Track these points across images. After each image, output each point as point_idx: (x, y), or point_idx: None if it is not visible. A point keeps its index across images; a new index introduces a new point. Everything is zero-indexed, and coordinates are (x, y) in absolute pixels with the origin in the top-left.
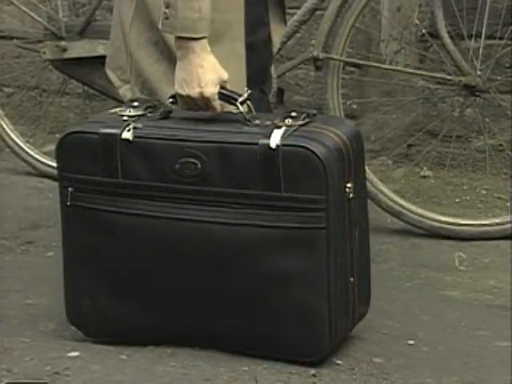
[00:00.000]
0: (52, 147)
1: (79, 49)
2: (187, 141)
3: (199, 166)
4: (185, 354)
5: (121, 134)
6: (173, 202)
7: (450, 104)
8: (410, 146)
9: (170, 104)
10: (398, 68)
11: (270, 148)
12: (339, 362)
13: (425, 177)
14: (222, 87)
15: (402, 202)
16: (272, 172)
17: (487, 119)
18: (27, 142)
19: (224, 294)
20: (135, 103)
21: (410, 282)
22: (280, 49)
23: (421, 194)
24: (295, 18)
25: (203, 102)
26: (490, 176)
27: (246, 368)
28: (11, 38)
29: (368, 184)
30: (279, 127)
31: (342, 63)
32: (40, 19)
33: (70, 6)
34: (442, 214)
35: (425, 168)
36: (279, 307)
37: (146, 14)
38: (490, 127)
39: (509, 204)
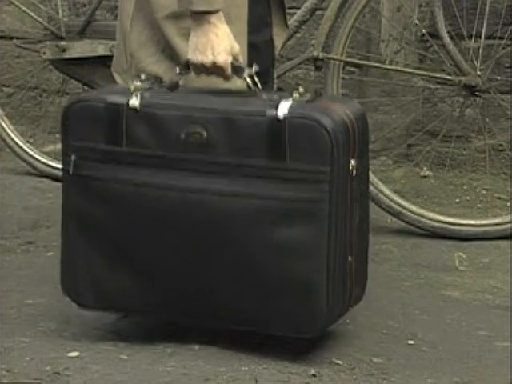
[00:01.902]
0: (52, 147)
1: (79, 49)
2: (194, 110)
3: (205, 135)
4: (185, 354)
5: (127, 103)
6: (177, 171)
7: (449, 104)
8: (409, 145)
9: (177, 76)
10: (398, 68)
11: (278, 119)
12: (339, 362)
13: (425, 177)
14: (234, 58)
15: (402, 202)
16: (278, 143)
17: (487, 119)
18: (27, 142)
19: (223, 265)
20: (142, 77)
21: (410, 282)
22: (280, 49)
23: (421, 194)
24: (295, 18)
25: (216, 70)
26: (490, 176)
27: (246, 368)
28: (11, 38)
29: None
30: (286, 100)
31: (341, 63)
32: (40, 19)
33: (70, 5)
34: (442, 214)
35: (425, 168)
36: (278, 280)
37: (146, 13)
38: (490, 127)
39: (509, 204)
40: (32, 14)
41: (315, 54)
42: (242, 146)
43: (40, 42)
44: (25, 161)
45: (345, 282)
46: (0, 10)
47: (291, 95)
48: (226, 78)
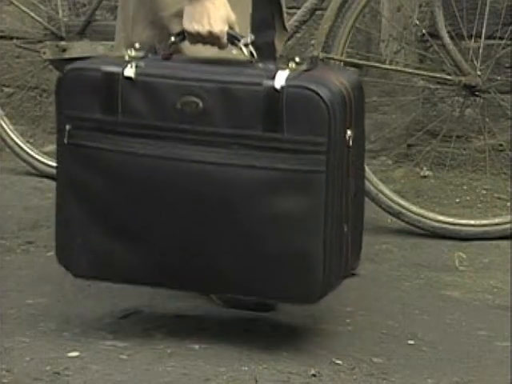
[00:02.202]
0: (52, 147)
1: (79, 49)
2: (190, 80)
3: (201, 105)
4: (185, 354)
5: (123, 72)
6: (172, 141)
7: (450, 104)
8: (409, 145)
9: (172, 44)
10: (398, 68)
11: (275, 89)
12: (339, 362)
13: (425, 177)
14: (230, 27)
15: (402, 202)
16: (274, 113)
17: (487, 119)
18: (27, 142)
19: (220, 235)
20: (137, 45)
21: (410, 282)
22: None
23: (421, 194)
24: (295, 18)
25: (212, 39)
26: (490, 176)
27: (246, 368)
28: (11, 38)
29: (368, 184)
30: (283, 70)
31: (341, 63)
32: (40, 19)
33: (70, 5)
34: (442, 214)
35: (425, 168)
36: (275, 250)
37: (147, 14)
38: (490, 127)
39: (509, 204)
40: (32, 14)
41: (315, 53)
42: (238, 117)
43: (40, 41)
44: (25, 161)
45: (341, 251)
46: (0, 10)
47: (287, 65)
48: (222, 46)
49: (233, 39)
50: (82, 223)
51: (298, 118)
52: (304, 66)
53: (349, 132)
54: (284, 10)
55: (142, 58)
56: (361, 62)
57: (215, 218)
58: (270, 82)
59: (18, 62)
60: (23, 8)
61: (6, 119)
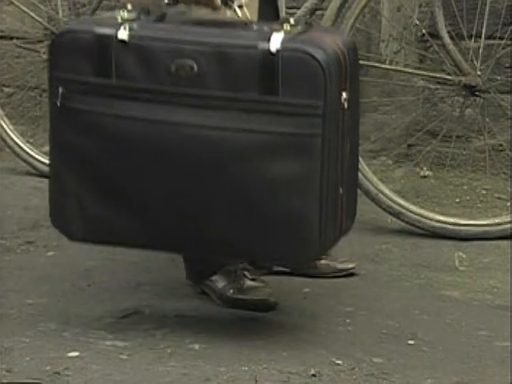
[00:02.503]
0: None
1: None
2: (184, 42)
3: (195, 68)
4: (185, 354)
5: (116, 34)
6: (167, 105)
7: (450, 104)
8: (409, 145)
9: (165, 6)
10: (398, 68)
11: (270, 52)
12: (339, 362)
13: (425, 177)
14: None
15: (402, 202)
16: (270, 76)
17: (487, 119)
18: (27, 142)
19: (215, 199)
20: (129, 6)
21: (410, 282)
22: None
23: (421, 194)
24: (295, 17)
25: (205, 0)
26: (490, 176)
27: (246, 368)
28: (11, 38)
29: (368, 184)
30: (278, 31)
31: None
32: (40, 19)
33: (69, 5)
34: (442, 214)
35: (425, 168)
36: (272, 212)
37: None
38: (490, 127)
39: (509, 204)
40: (32, 14)
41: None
42: (233, 80)
43: (40, 41)
44: (25, 161)
45: (336, 213)
46: (0, 10)
47: (282, 27)
48: (216, 7)
49: (226, 0)
50: (76, 187)
51: (294, 81)
52: (299, 28)
53: (344, 94)
54: (282, 10)
55: (134, 20)
56: (361, 61)
57: (210, 182)
58: (265, 45)
59: (18, 62)
60: (23, 8)
61: (5, 119)
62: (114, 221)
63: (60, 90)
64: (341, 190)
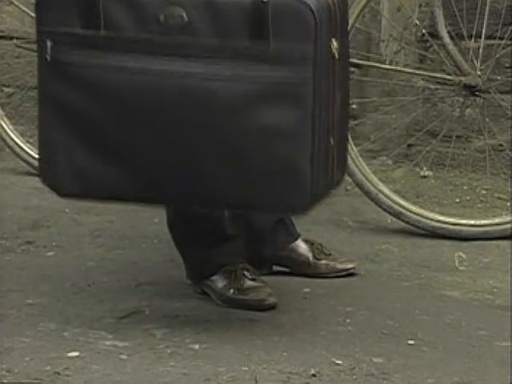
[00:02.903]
0: None
1: None
2: None
3: (185, 16)
4: (185, 354)
5: None
6: (156, 55)
7: (450, 104)
8: (409, 145)
9: None
10: (398, 68)
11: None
12: (339, 362)
13: (425, 177)
14: None
15: (402, 202)
16: (261, 23)
17: (487, 119)
18: (27, 142)
19: (209, 148)
20: None
21: (410, 282)
22: None
23: (421, 194)
24: None
25: None
26: (490, 176)
27: (246, 368)
28: (11, 38)
29: (368, 184)
30: None
31: None
32: None
33: None
34: (442, 214)
35: (425, 168)
36: (263, 162)
37: None
38: (490, 127)
39: (509, 204)
40: (32, 14)
41: None
42: (223, 28)
43: None
44: (25, 161)
45: (327, 163)
46: (0, 10)
47: None
48: None
49: None
50: (66, 142)
51: (285, 28)
52: None
53: (334, 42)
54: None
55: None
56: (361, 62)
57: (201, 131)
58: None
59: (18, 62)
60: (23, 8)
61: (5, 119)
62: (104, 174)
63: (48, 43)
64: (332, 141)
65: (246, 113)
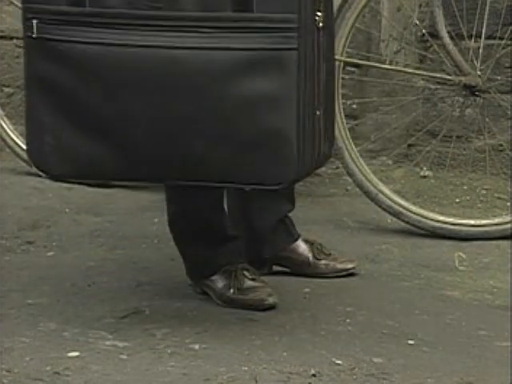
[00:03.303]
0: None
1: None
2: None
3: None
4: (185, 354)
5: None
6: (142, 29)
7: (450, 104)
8: (410, 145)
9: None
10: (398, 68)
11: None
12: (339, 362)
13: (425, 177)
14: None
15: (402, 202)
16: None
17: (487, 119)
18: None
19: (193, 122)
20: None
21: (410, 282)
22: None
23: (421, 194)
24: None
25: None
26: (490, 176)
27: (246, 368)
28: (11, 38)
29: (368, 184)
30: None
31: (342, 63)
32: None
33: None
34: (442, 214)
35: (425, 168)
36: (249, 132)
37: None
38: (490, 127)
39: (509, 204)
40: None
41: None
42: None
43: None
44: (25, 161)
45: (314, 134)
46: (0, 10)
47: None
48: None
49: None
50: (53, 122)
51: None
52: None
53: (319, 13)
54: None
55: None
56: (361, 62)
57: (188, 103)
58: None
59: (18, 62)
60: None
61: (5, 119)
62: (92, 153)
63: (34, 21)
64: (318, 112)
65: (232, 83)
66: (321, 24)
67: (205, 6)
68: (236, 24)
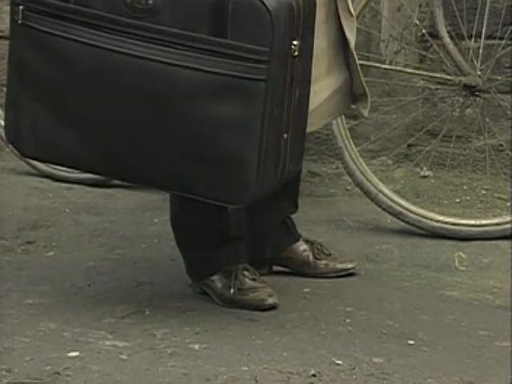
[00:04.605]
0: None
1: None
2: None
3: (151, 1)
4: (185, 354)
5: None
6: (120, 35)
7: (450, 104)
8: (409, 145)
9: None
10: (398, 68)
11: None
12: (339, 362)
13: (425, 177)
14: None
15: (402, 202)
16: (221, 18)
17: (487, 119)
18: None
19: (161, 131)
20: None
21: (410, 282)
22: None
23: (421, 194)
24: None
25: None
26: (490, 176)
27: (246, 368)
28: None
29: (368, 184)
30: None
31: None
32: None
33: None
34: (442, 214)
35: (425, 168)
36: (210, 151)
37: None
38: (490, 127)
39: (509, 204)
40: None
41: None
42: (185, 18)
43: None
44: (25, 161)
45: (278, 157)
46: (0, 10)
47: None
48: None
49: None
50: (30, 105)
51: (243, 25)
52: None
53: (295, 42)
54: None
55: None
56: (361, 62)
57: (152, 115)
58: None
59: None
60: None
61: None
62: (63, 142)
63: (20, 8)
64: (285, 135)
65: (197, 102)
66: (296, 53)
67: (184, 25)
68: (208, 47)
